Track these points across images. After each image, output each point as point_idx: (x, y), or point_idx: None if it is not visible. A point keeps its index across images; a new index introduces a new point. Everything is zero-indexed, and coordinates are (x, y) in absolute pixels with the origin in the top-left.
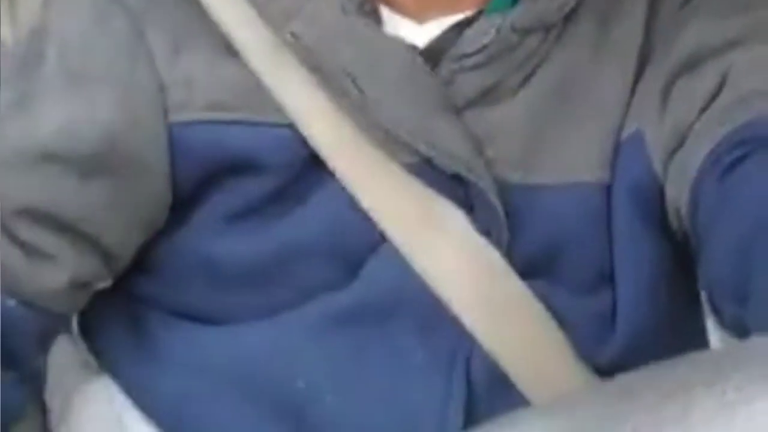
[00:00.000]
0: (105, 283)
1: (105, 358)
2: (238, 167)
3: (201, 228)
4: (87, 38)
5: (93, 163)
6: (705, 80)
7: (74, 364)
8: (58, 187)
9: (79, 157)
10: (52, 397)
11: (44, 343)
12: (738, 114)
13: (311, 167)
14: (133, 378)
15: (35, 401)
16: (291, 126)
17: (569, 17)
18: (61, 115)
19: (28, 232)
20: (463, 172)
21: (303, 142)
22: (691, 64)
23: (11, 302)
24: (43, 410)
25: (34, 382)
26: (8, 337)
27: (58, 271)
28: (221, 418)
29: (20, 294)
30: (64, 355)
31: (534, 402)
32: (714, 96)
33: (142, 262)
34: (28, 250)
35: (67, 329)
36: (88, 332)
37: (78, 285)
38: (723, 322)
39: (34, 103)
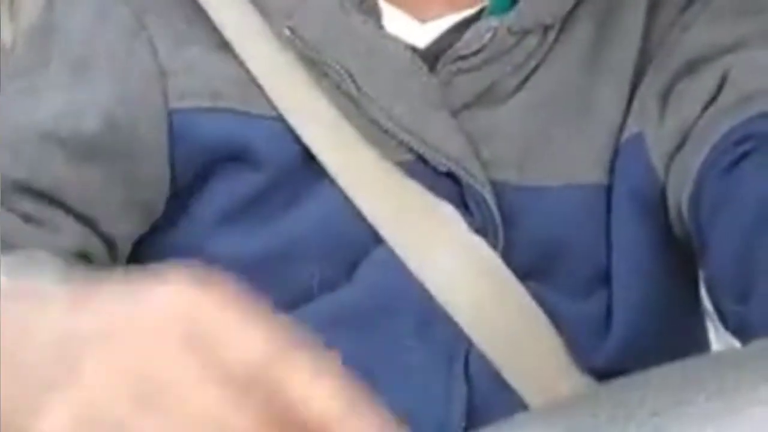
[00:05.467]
0: (104, 265)
1: None
2: (233, 158)
3: (195, 226)
4: (89, 30)
5: (92, 146)
6: (705, 81)
7: None
8: (57, 167)
9: (77, 140)
10: None
11: None
12: (739, 112)
13: (305, 164)
14: None
15: None
16: (285, 121)
17: (567, 19)
18: (62, 99)
19: (29, 206)
20: (457, 171)
21: (296, 137)
22: (691, 67)
23: None
24: None
25: None
26: None
27: (59, 239)
28: None
29: None
30: None
31: (529, 403)
32: (714, 96)
33: (137, 260)
34: (28, 219)
35: None
36: None
37: (77, 255)
38: (724, 322)
39: (38, 92)
